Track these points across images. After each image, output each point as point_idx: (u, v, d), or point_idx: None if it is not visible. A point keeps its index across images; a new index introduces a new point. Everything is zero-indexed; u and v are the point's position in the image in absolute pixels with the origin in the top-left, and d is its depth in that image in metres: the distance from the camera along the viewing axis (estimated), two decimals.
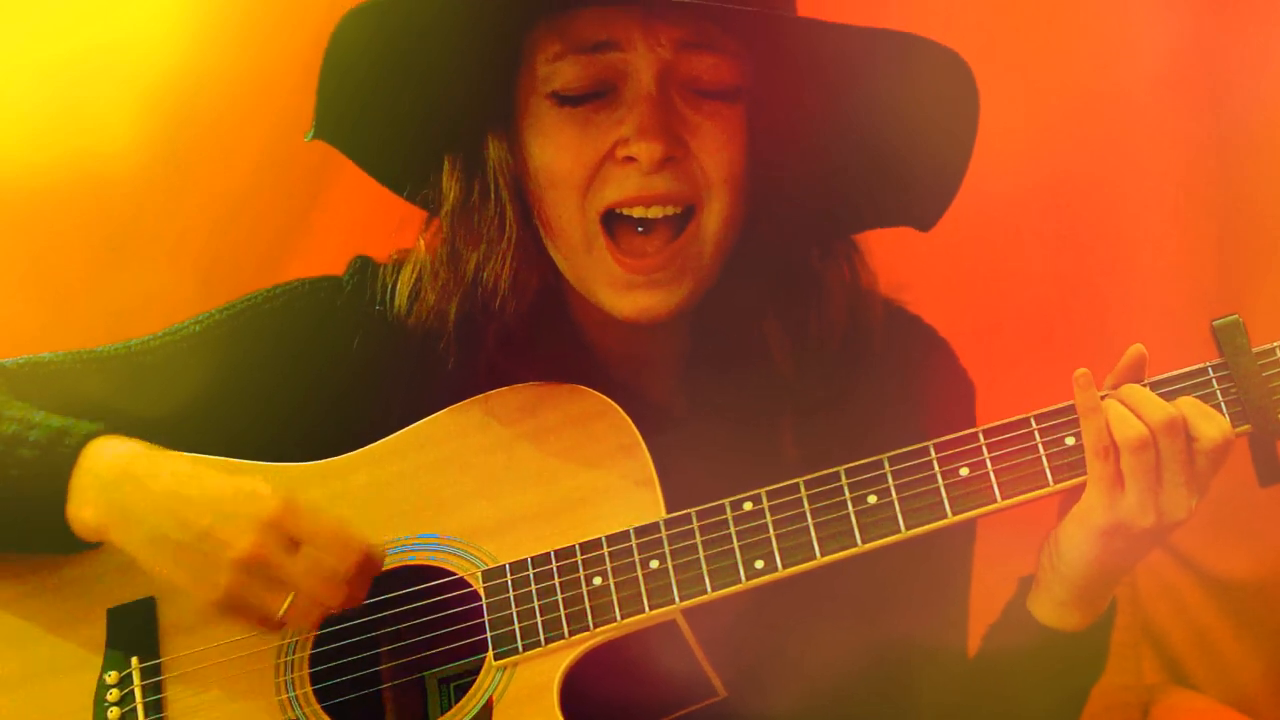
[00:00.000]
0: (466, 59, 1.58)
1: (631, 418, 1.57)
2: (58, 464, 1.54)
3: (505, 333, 1.60)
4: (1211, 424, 1.46)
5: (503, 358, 1.61)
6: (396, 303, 1.65)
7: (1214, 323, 1.50)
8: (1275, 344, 1.50)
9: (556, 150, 1.55)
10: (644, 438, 1.56)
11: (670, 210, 1.55)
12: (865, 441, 1.53)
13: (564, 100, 1.54)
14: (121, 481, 1.52)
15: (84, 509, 1.53)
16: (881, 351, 1.66)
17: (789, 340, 1.63)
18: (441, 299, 1.61)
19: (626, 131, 1.52)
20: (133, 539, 1.52)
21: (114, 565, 1.60)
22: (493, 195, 1.59)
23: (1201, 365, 1.50)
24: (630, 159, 1.53)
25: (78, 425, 1.56)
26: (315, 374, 1.68)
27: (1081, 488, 1.49)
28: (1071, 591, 1.53)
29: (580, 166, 1.54)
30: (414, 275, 1.64)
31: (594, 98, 1.54)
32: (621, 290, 1.56)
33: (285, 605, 1.47)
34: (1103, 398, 1.49)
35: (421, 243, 1.65)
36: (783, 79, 1.57)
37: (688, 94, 1.54)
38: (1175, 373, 1.51)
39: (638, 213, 1.54)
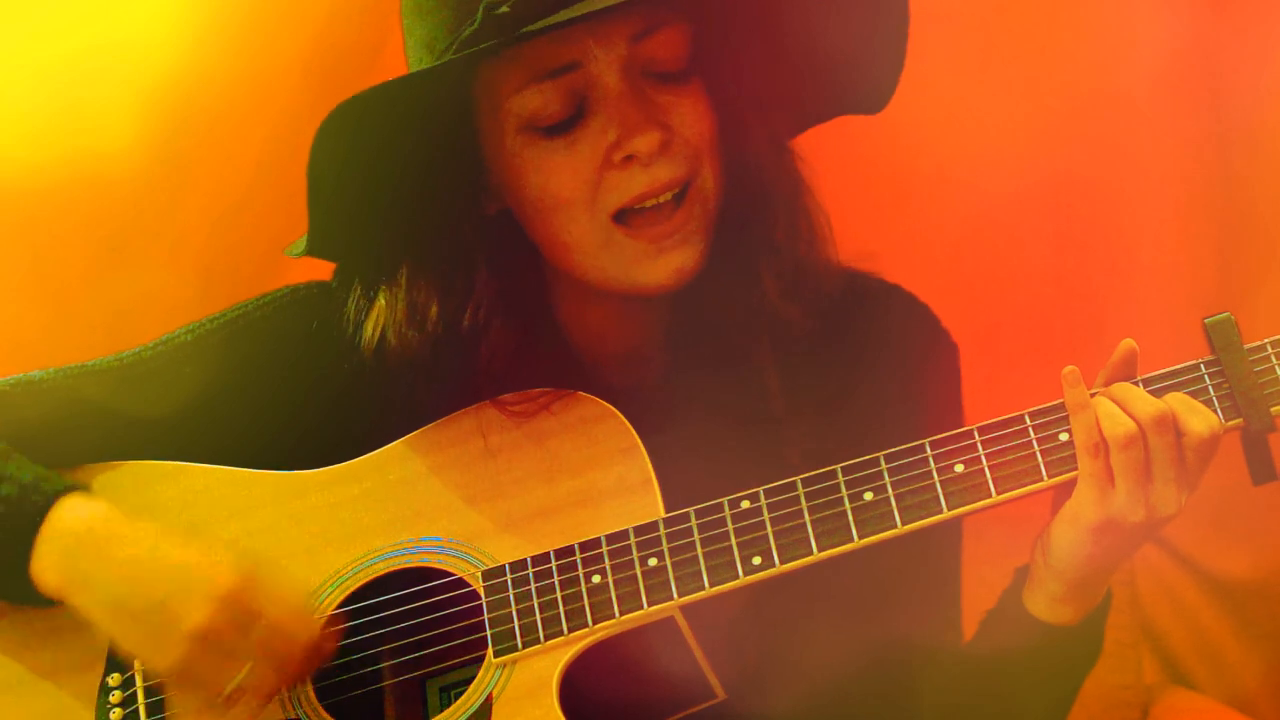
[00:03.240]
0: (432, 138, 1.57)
1: (630, 416, 1.57)
2: (24, 521, 1.55)
3: (494, 348, 1.60)
4: (1199, 419, 1.47)
5: (496, 366, 1.60)
6: (364, 346, 1.64)
7: (1206, 320, 1.51)
8: (1267, 341, 1.51)
9: (549, 177, 1.54)
10: (641, 437, 1.56)
11: (675, 191, 1.55)
12: (849, 409, 1.56)
13: (546, 131, 1.53)
14: (84, 546, 1.53)
15: (47, 571, 1.54)
16: (861, 321, 1.66)
17: (765, 317, 1.63)
18: (410, 348, 1.61)
19: (614, 135, 1.52)
20: (93, 606, 1.52)
21: None
22: (459, 249, 1.60)
23: (1194, 362, 1.51)
24: (629, 159, 1.53)
25: (48, 480, 1.57)
26: (311, 380, 1.68)
27: (1074, 483, 1.49)
28: (1065, 587, 1.53)
29: (581, 184, 1.54)
30: (377, 329, 1.63)
31: (572, 121, 1.53)
32: (652, 259, 1.56)
33: (237, 680, 1.48)
34: (1093, 394, 1.49)
35: (382, 300, 1.63)
36: (724, 25, 1.57)
37: (651, 79, 1.54)
38: (1168, 369, 1.52)
39: (649, 204, 1.55)
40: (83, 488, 1.58)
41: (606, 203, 1.54)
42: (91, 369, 1.70)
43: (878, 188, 1.67)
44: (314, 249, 1.59)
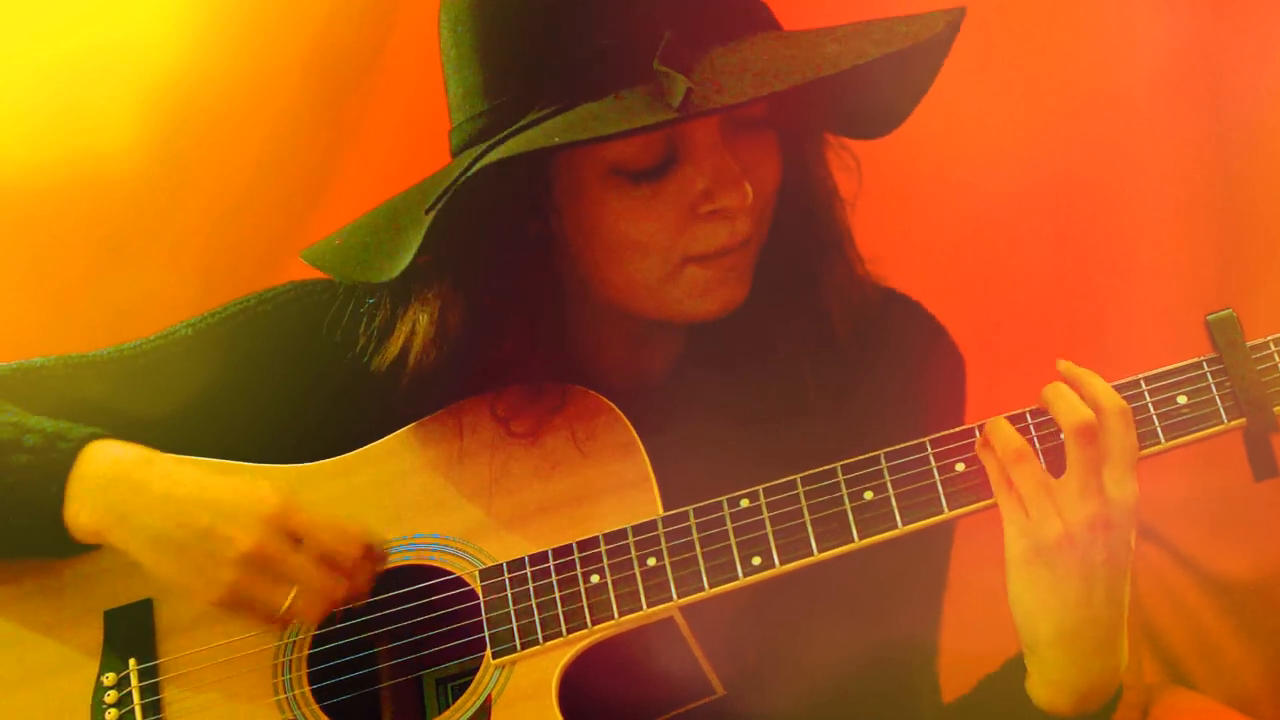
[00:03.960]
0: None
1: (629, 417, 1.57)
2: (54, 468, 1.54)
3: (503, 360, 1.60)
4: (1070, 411, 1.46)
5: (500, 370, 1.60)
6: (375, 363, 1.62)
7: (1208, 317, 1.50)
8: (1269, 338, 1.50)
9: (632, 223, 1.52)
10: (641, 437, 1.56)
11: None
12: (853, 410, 1.55)
13: (635, 177, 1.50)
14: (118, 484, 1.53)
15: (81, 513, 1.53)
16: (871, 330, 1.67)
17: (784, 329, 1.63)
18: (428, 363, 1.59)
19: (703, 185, 1.50)
20: (133, 541, 1.52)
21: (111, 567, 1.60)
22: (498, 267, 1.56)
23: (1196, 360, 1.50)
24: (714, 212, 1.51)
25: (74, 429, 1.56)
26: (311, 377, 1.67)
27: None
28: (1046, 654, 1.47)
29: (663, 230, 1.52)
30: (398, 344, 1.61)
31: (660, 170, 1.51)
32: (711, 291, 1.55)
33: (289, 600, 1.48)
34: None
35: (424, 315, 1.59)
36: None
37: (735, 130, 1.53)
38: (1169, 367, 1.51)
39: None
40: (108, 434, 1.58)
41: (684, 249, 1.53)
42: (93, 359, 1.70)
43: (878, 188, 1.67)
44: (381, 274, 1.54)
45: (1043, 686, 1.48)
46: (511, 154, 1.43)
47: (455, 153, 1.56)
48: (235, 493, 1.50)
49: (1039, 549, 1.44)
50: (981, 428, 1.51)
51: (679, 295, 1.55)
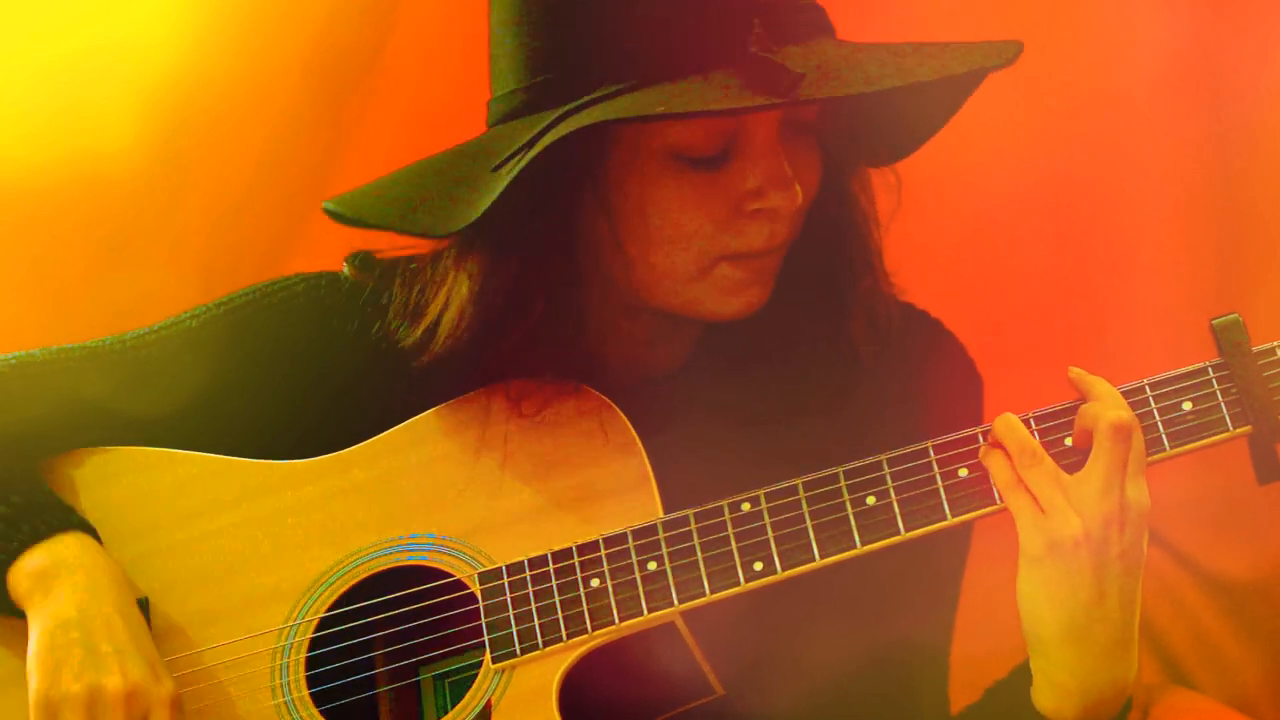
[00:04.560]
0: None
1: (630, 417, 1.57)
2: (13, 542, 1.56)
3: (514, 347, 1.60)
4: (1114, 409, 1.46)
5: (506, 365, 1.60)
6: (403, 335, 1.62)
7: (1214, 322, 1.50)
8: (1275, 344, 1.49)
9: (681, 210, 1.52)
10: (643, 438, 1.56)
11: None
12: (868, 439, 1.53)
13: (693, 163, 1.50)
14: (60, 571, 1.55)
15: (31, 558, 1.55)
16: (892, 347, 1.67)
17: (799, 334, 1.63)
18: (461, 339, 1.59)
19: (754, 183, 1.50)
20: (44, 608, 1.53)
21: None
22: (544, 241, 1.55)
23: (1201, 365, 1.50)
24: (759, 211, 1.51)
25: (52, 512, 1.59)
26: (315, 370, 1.67)
27: None
28: (1051, 659, 1.46)
29: (709, 223, 1.52)
30: (436, 313, 1.60)
31: (716, 160, 1.51)
32: (738, 291, 1.56)
33: None
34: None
35: (464, 282, 1.58)
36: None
37: (790, 133, 1.53)
38: (1174, 372, 1.50)
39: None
40: (89, 529, 1.59)
41: (723, 245, 1.53)
42: (94, 349, 1.70)
43: (877, 188, 1.67)
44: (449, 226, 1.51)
45: (1049, 691, 1.47)
46: (606, 119, 1.42)
47: (496, 121, 1.55)
48: (145, 657, 1.52)
49: (1055, 545, 1.43)
50: (985, 433, 1.51)
51: (706, 291, 1.55)
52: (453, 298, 1.58)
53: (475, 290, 1.56)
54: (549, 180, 1.49)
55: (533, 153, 1.43)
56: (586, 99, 1.46)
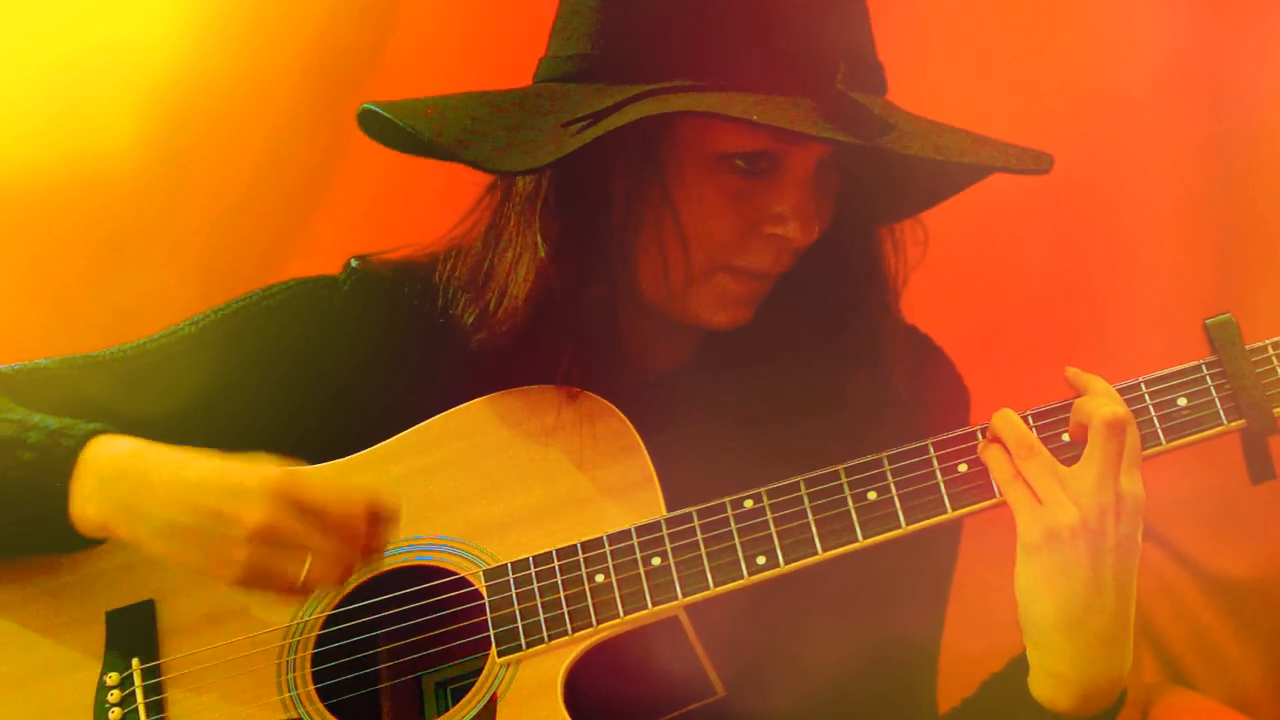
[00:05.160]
0: None
1: (632, 417, 1.57)
2: (58, 464, 1.53)
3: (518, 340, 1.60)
4: (1108, 404, 1.47)
5: (518, 329, 1.61)
6: (470, 311, 1.63)
7: (1207, 321, 1.52)
8: (1269, 342, 1.51)
9: (710, 215, 1.54)
10: (645, 438, 1.57)
11: None
12: (863, 444, 1.54)
13: (743, 171, 1.52)
14: (122, 477, 1.52)
15: (88, 507, 1.52)
16: (882, 360, 1.67)
17: (801, 343, 1.64)
18: (521, 316, 1.59)
19: (781, 210, 1.53)
20: (140, 532, 1.51)
21: (113, 567, 1.60)
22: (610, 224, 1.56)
23: (1195, 363, 1.52)
24: (775, 237, 1.54)
25: (76, 425, 1.56)
26: (313, 376, 1.68)
27: None
28: (1046, 645, 1.47)
29: (728, 234, 1.54)
30: (505, 277, 1.60)
31: (754, 173, 1.52)
32: (729, 305, 1.58)
33: (305, 569, 1.46)
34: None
35: (538, 240, 1.58)
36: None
37: (821, 170, 1.56)
38: (1169, 370, 1.52)
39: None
40: (110, 428, 1.57)
41: (730, 255, 1.55)
42: (96, 359, 1.70)
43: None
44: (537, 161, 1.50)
45: (1046, 680, 1.48)
46: (691, 110, 1.44)
47: (551, 78, 1.56)
48: (238, 473, 1.49)
49: (1052, 534, 1.44)
50: (984, 430, 1.52)
51: (698, 297, 1.57)
52: (519, 266, 1.58)
53: (551, 253, 1.56)
54: (610, 156, 1.51)
55: (612, 124, 1.44)
56: (664, 85, 1.47)
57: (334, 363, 1.67)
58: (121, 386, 1.68)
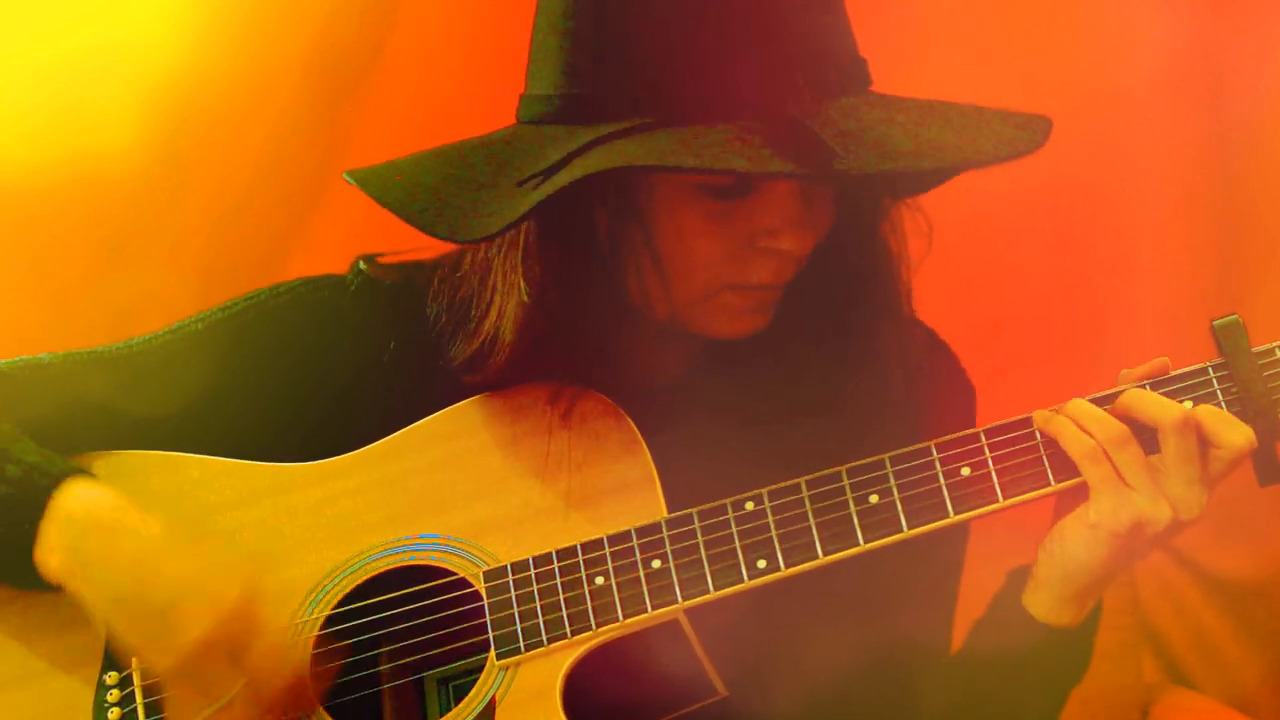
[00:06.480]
0: None
1: (634, 418, 1.57)
2: (29, 506, 1.52)
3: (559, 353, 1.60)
4: (1236, 431, 1.47)
5: (511, 369, 1.60)
6: (461, 352, 1.62)
7: (1214, 323, 1.51)
8: (1275, 344, 1.50)
9: (695, 240, 1.51)
10: (646, 437, 1.56)
11: None
12: (865, 443, 1.54)
13: (716, 193, 1.49)
14: (89, 534, 1.51)
15: (50, 554, 1.51)
16: (885, 359, 1.67)
17: (803, 343, 1.64)
18: (520, 350, 1.58)
19: (772, 223, 1.50)
20: (91, 595, 1.50)
21: None
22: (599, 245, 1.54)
23: (1201, 365, 1.50)
24: (771, 251, 1.51)
25: (53, 463, 1.55)
26: (318, 374, 1.67)
27: (1082, 487, 1.49)
28: (1073, 588, 1.52)
29: (720, 255, 1.52)
30: (493, 328, 1.59)
31: (735, 191, 1.50)
32: (740, 317, 1.57)
33: (227, 697, 1.47)
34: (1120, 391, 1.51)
35: (521, 285, 1.56)
36: None
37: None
38: (1175, 373, 1.51)
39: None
40: (88, 473, 1.56)
41: (730, 275, 1.53)
42: (100, 355, 1.70)
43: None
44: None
45: (1050, 603, 1.54)
46: (630, 164, 1.40)
47: (527, 120, 1.55)
48: (199, 573, 1.49)
49: (1140, 525, 1.46)
50: (986, 433, 1.51)
51: (707, 314, 1.56)
52: (506, 310, 1.57)
53: (535, 295, 1.55)
54: (587, 195, 1.49)
55: (558, 183, 1.42)
56: (618, 128, 1.45)
57: (339, 362, 1.67)
58: (125, 383, 1.68)
